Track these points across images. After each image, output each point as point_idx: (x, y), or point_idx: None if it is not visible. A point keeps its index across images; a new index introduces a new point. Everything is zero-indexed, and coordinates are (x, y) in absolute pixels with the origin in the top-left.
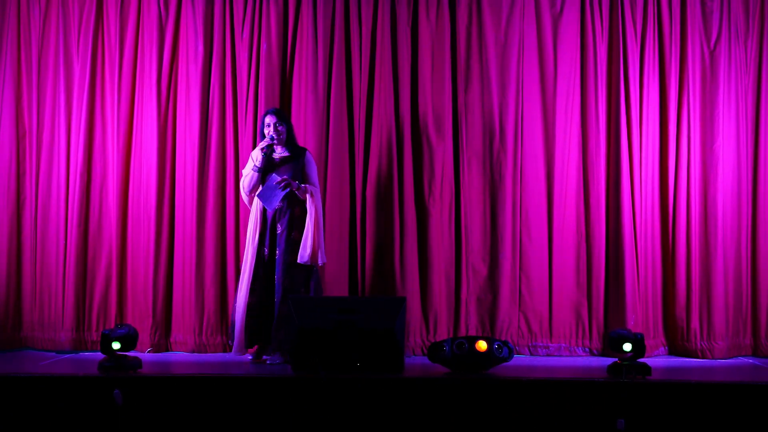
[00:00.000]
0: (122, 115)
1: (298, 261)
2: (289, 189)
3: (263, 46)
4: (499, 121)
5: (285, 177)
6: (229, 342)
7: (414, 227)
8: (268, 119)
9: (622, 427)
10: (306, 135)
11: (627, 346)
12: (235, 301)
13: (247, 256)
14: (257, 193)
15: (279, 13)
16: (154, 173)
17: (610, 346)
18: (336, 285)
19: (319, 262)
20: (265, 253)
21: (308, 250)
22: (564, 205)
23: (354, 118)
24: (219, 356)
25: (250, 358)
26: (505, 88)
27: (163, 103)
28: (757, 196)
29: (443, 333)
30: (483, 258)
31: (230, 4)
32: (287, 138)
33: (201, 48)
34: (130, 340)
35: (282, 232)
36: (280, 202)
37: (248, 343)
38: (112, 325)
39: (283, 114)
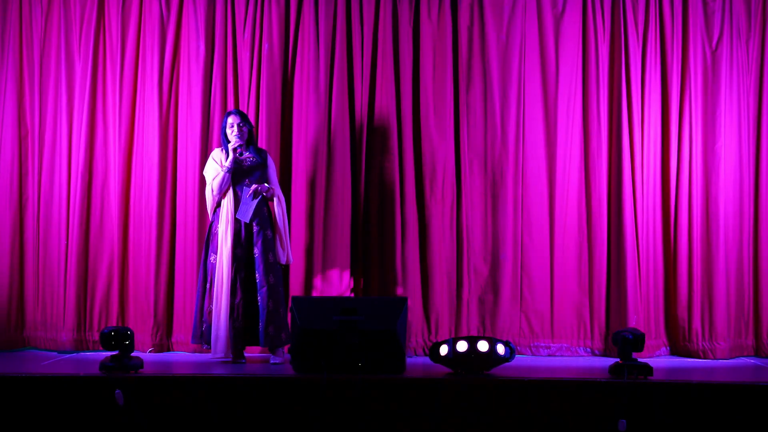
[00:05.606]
0: (124, 114)
1: (280, 262)
2: (260, 197)
3: (265, 46)
4: (500, 121)
5: (254, 186)
6: (204, 346)
7: (415, 227)
8: (231, 119)
9: (623, 427)
10: (307, 135)
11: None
12: (204, 304)
13: (221, 257)
14: (239, 215)
15: (280, 12)
16: (155, 173)
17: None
18: (338, 285)
19: (291, 260)
20: (239, 253)
21: (285, 251)
22: (565, 206)
23: (356, 117)
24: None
25: (230, 358)
26: (506, 88)
27: (164, 103)
28: (759, 196)
29: (445, 333)
30: (484, 258)
31: (232, 3)
32: (249, 138)
33: (203, 47)
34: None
35: (258, 231)
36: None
37: (237, 343)
38: (114, 325)
39: (246, 115)
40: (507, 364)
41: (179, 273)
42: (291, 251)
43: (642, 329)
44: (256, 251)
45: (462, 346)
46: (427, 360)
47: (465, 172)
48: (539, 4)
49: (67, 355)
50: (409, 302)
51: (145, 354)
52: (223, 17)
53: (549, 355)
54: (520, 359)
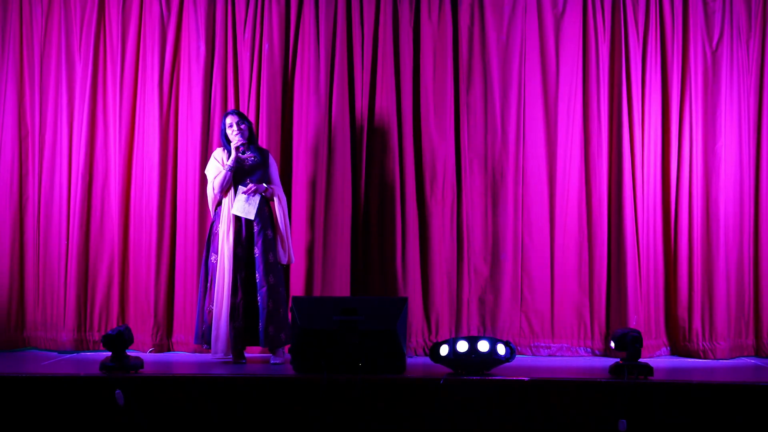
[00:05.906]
0: (124, 114)
1: (281, 261)
2: (259, 194)
3: (265, 46)
4: (501, 121)
5: (251, 186)
6: (204, 346)
7: (416, 227)
8: (229, 119)
9: (623, 427)
10: (308, 135)
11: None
12: (205, 304)
13: (222, 257)
14: (236, 211)
15: (281, 13)
16: (156, 173)
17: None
18: (338, 285)
19: (293, 260)
20: (239, 253)
21: (286, 251)
22: (566, 205)
23: (356, 117)
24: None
25: (231, 358)
26: (507, 88)
27: (165, 103)
28: (759, 196)
29: (445, 333)
30: (485, 258)
31: (232, 4)
32: (249, 135)
33: (203, 48)
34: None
35: (259, 230)
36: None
37: (237, 343)
38: (114, 326)
39: (243, 114)
40: (507, 364)
41: (179, 273)
42: (292, 251)
43: (642, 329)
44: (257, 251)
45: (462, 346)
46: (427, 360)
47: (465, 172)
48: (539, 4)
49: (67, 355)
50: (410, 302)
51: (145, 354)
52: (223, 17)
53: (549, 355)
54: (520, 359)
